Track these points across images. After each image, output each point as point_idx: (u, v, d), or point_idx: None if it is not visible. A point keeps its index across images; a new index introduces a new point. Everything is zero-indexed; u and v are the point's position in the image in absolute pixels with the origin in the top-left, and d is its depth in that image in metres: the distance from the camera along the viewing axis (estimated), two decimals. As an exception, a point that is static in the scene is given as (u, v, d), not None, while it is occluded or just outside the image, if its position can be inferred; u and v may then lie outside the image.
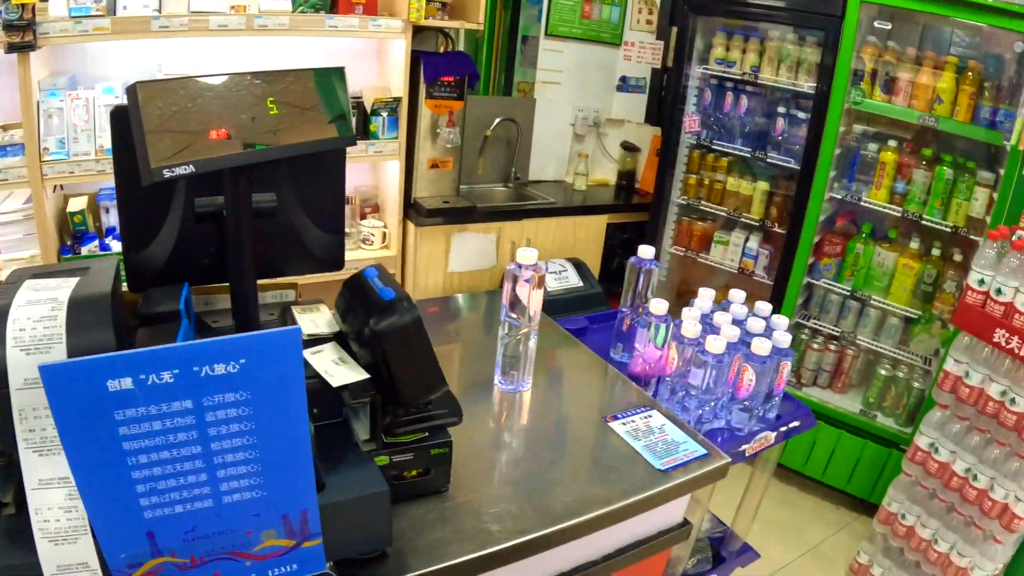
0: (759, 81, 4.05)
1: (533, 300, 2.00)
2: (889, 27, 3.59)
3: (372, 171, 4.26)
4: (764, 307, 2.41)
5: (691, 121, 4.32)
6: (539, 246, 4.34)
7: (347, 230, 3.72)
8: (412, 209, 4.07)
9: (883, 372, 3.89)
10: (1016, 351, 2.61)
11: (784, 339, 2.20)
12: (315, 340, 1.54)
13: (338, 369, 1.42)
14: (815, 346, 4.06)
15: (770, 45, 4.00)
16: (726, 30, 4.14)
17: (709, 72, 4.24)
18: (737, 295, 2.46)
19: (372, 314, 1.41)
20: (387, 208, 4.18)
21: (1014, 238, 2.60)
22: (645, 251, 2.35)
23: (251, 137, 1.30)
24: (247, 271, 1.49)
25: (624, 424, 1.98)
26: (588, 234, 4.58)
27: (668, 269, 4.75)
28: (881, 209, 3.73)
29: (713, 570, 2.62)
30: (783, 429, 2.35)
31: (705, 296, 2.41)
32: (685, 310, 2.28)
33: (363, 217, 4.15)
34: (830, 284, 3.96)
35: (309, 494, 1.13)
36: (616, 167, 5.14)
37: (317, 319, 1.64)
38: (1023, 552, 2.90)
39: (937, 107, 3.48)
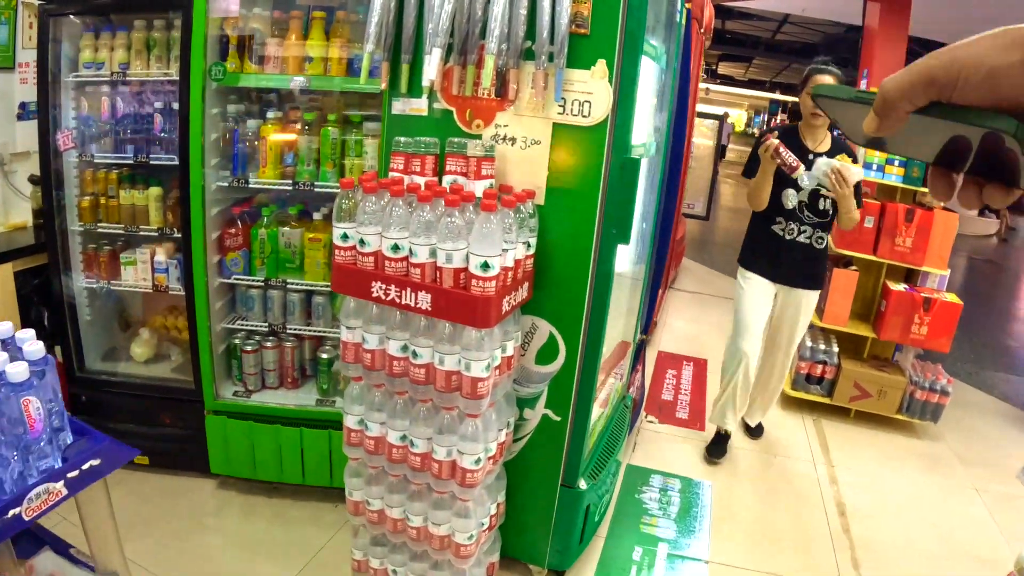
0: (130, 78, 3.46)
1: None
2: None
3: None
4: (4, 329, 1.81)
5: (64, 138, 3.56)
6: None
7: None
8: None
9: (324, 356, 3.52)
10: (397, 300, 2.27)
11: (17, 371, 1.63)
12: None
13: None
14: (249, 348, 3.56)
15: (136, 37, 3.40)
16: (92, 29, 3.48)
17: (81, 79, 3.54)
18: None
19: None
20: None
21: (370, 184, 2.26)
22: None
23: None
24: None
25: None
26: (-9, 292, 3.68)
27: (91, 308, 3.99)
28: (272, 187, 3.32)
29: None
30: (73, 475, 1.80)
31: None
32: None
33: None
34: (242, 279, 3.48)
35: None
36: (31, 205, 4.22)
37: None
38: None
39: (309, 67, 3.12)
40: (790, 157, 3.63)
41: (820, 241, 4.00)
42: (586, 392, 2.75)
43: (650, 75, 3.19)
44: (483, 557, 2.81)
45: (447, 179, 2.47)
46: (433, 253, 2.22)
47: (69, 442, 1.87)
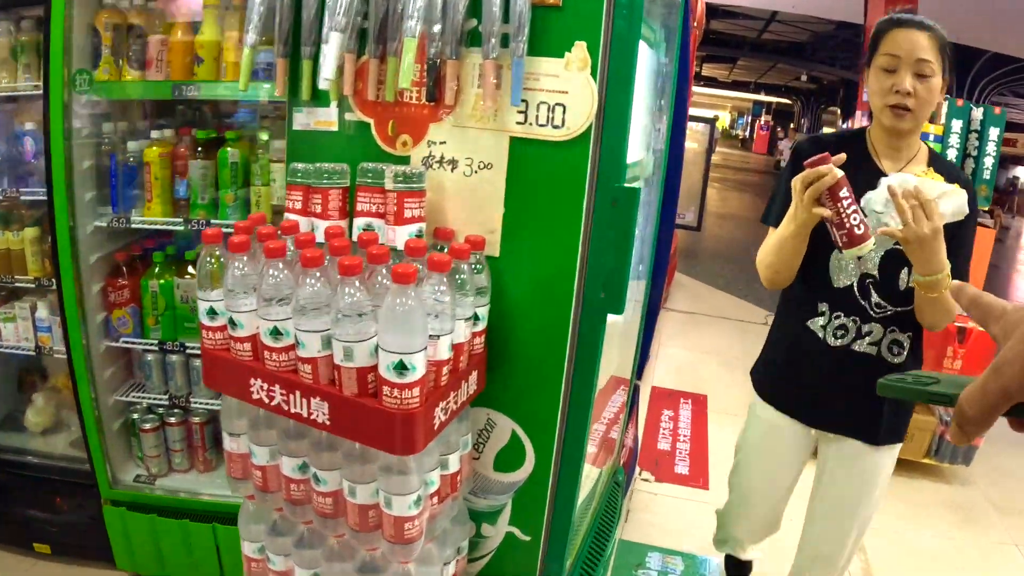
0: (-8, 94, 2.69)
1: None
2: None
3: None
4: None
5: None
6: None
7: None
8: None
9: (236, 433, 2.75)
10: (284, 406, 1.53)
11: None
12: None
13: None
14: (148, 425, 2.80)
15: (1, 43, 2.65)
16: None
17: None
18: None
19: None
20: None
21: (239, 239, 1.52)
22: None
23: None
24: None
25: None
26: None
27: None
28: (162, 228, 2.60)
29: None
30: None
31: None
32: None
33: None
34: (132, 341, 2.73)
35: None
36: None
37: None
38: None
39: (198, 68, 2.40)
40: (854, 213, 1.79)
41: (898, 350, 2.14)
42: (564, 507, 1.94)
43: (647, 68, 2.43)
44: None
45: (358, 222, 1.70)
46: (328, 343, 1.47)
47: None
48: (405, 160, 1.81)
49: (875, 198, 1.86)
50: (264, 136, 2.51)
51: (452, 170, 1.78)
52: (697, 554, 3.44)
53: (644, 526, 3.69)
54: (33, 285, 2.83)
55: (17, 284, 2.85)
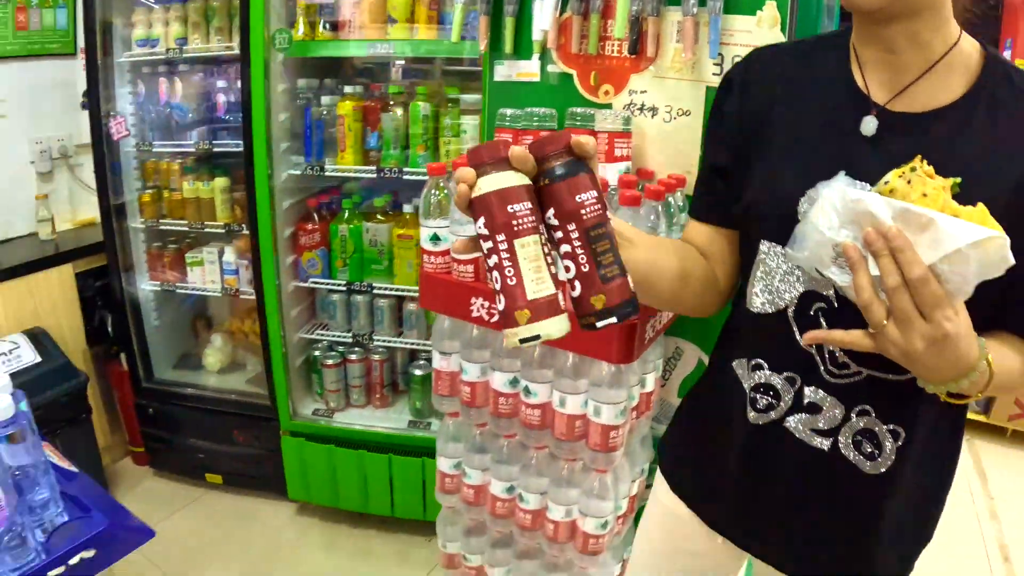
0: (188, 55, 3.02)
1: None
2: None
3: None
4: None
5: (118, 125, 3.15)
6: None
7: None
8: None
9: (418, 372, 3.01)
10: (504, 324, 1.74)
11: None
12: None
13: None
14: (331, 361, 3.09)
15: (193, 7, 2.96)
16: (143, 3, 3.04)
17: (135, 59, 3.13)
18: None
19: None
20: None
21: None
22: None
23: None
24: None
25: None
26: (52, 292, 3.27)
27: (160, 312, 3.59)
28: (354, 176, 2.85)
29: None
30: (56, 572, 1.35)
31: None
32: None
33: None
34: (320, 282, 3.00)
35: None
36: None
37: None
38: None
39: (392, 29, 2.62)
40: (528, 262, 0.85)
41: (874, 450, 1.16)
42: None
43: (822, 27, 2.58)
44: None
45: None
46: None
47: (59, 523, 1.42)
48: (608, 107, 1.99)
49: (816, 211, 0.97)
50: (453, 90, 2.71)
51: (652, 116, 1.96)
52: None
53: None
54: (222, 231, 3.14)
55: (206, 230, 3.16)
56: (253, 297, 3.06)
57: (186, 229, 3.22)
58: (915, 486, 1.21)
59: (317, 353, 3.14)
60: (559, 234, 0.88)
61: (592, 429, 1.74)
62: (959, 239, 0.85)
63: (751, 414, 1.24)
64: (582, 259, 0.87)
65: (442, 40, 2.58)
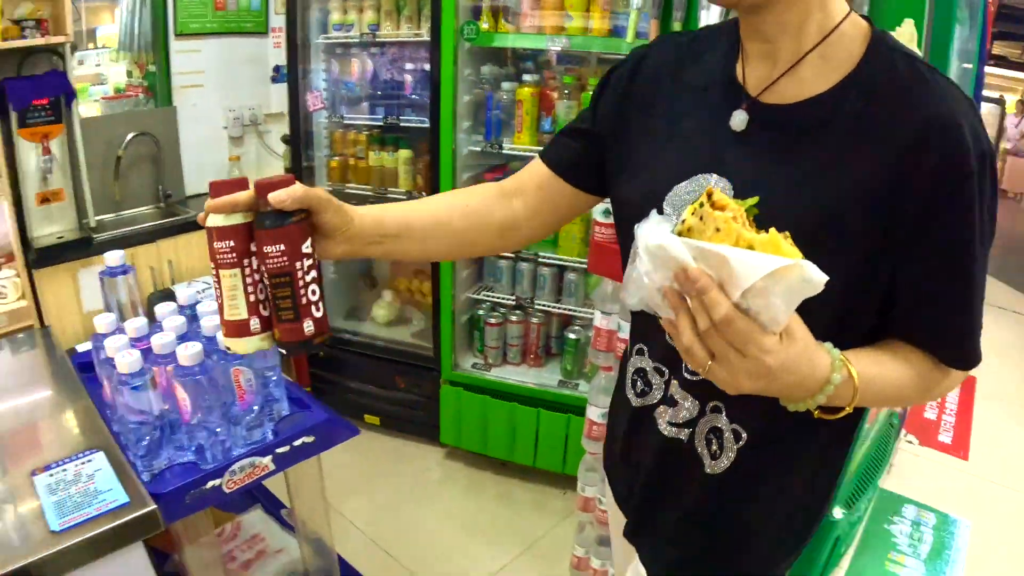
0: (379, 40, 3.44)
1: None
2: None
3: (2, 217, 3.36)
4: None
5: (314, 99, 3.61)
6: (185, 265, 3.61)
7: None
8: (29, 252, 3.26)
9: (572, 336, 3.33)
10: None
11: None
12: None
13: None
14: (493, 320, 3.44)
15: None
16: None
17: (330, 41, 3.57)
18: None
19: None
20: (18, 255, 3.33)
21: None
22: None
23: None
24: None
25: (52, 476, 1.43)
26: (240, 243, 3.75)
27: (336, 266, 4.06)
28: (527, 154, 3.14)
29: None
30: (283, 450, 1.70)
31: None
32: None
33: (-3, 269, 3.32)
34: (491, 248, 3.34)
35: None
36: (283, 164, 4.40)
37: None
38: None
39: (569, 25, 2.92)
40: (241, 288, 1.04)
41: (717, 449, 1.17)
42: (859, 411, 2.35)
43: (955, 44, 2.73)
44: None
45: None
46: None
47: (285, 414, 1.79)
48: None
49: (636, 255, 0.92)
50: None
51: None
52: (949, 514, 3.68)
53: (904, 482, 3.91)
54: (404, 197, 3.51)
55: (388, 196, 3.55)
56: (423, 259, 3.42)
57: (369, 193, 3.61)
58: (771, 491, 1.20)
59: (481, 312, 3.48)
60: (257, 274, 1.02)
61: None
62: (753, 274, 0.80)
63: (630, 395, 1.28)
64: (268, 297, 1.03)
65: (617, 39, 2.85)
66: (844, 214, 0.95)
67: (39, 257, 3.25)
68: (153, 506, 1.37)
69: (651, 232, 0.87)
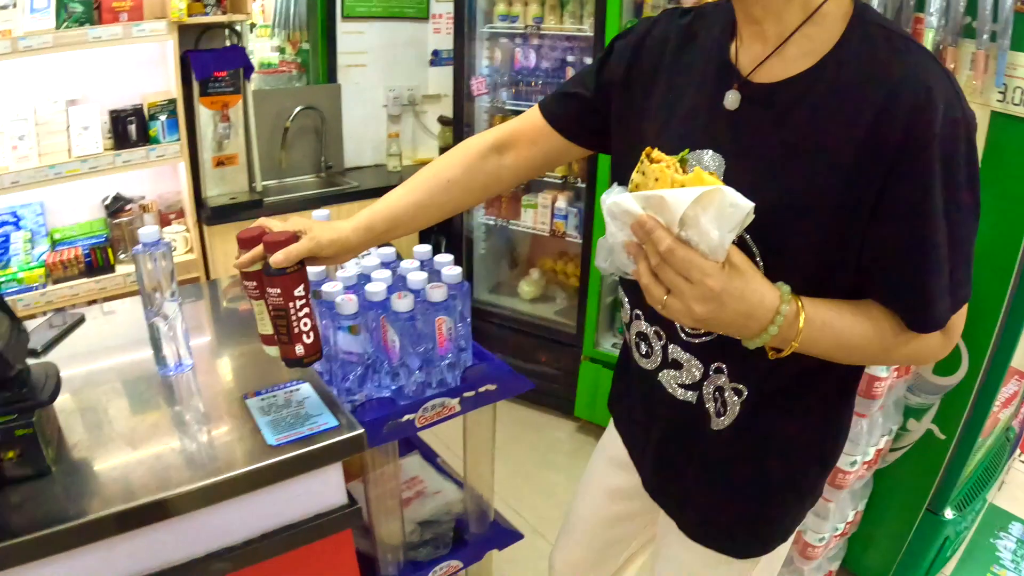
0: (543, 32, 3.67)
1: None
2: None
3: (174, 176, 3.79)
4: (423, 250, 1.98)
5: (478, 84, 3.88)
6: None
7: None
8: (202, 210, 3.66)
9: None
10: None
11: (437, 292, 1.78)
12: None
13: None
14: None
15: None
16: None
17: (495, 31, 3.84)
18: (421, 250, 1.99)
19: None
20: (190, 212, 3.77)
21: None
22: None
23: None
24: None
25: (263, 400, 1.64)
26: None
27: (487, 242, 4.34)
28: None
29: (454, 555, 2.22)
30: (469, 395, 1.93)
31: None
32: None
33: (167, 224, 3.74)
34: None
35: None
36: (437, 143, 4.74)
37: None
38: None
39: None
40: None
41: (722, 407, 1.25)
42: (980, 414, 2.46)
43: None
44: (825, 563, 2.68)
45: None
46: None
47: (469, 364, 1.99)
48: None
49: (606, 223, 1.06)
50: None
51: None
52: (1058, 536, 3.66)
53: (1014, 499, 3.87)
54: (559, 181, 3.78)
55: (544, 179, 3.80)
56: (576, 240, 3.70)
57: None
58: (779, 444, 1.27)
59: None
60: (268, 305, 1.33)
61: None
62: (681, 204, 0.92)
63: (636, 357, 1.37)
64: (272, 323, 1.34)
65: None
66: (823, 184, 1.02)
67: (212, 215, 3.59)
68: (362, 430, 1.54)
69: (612, 197, 1.01)
